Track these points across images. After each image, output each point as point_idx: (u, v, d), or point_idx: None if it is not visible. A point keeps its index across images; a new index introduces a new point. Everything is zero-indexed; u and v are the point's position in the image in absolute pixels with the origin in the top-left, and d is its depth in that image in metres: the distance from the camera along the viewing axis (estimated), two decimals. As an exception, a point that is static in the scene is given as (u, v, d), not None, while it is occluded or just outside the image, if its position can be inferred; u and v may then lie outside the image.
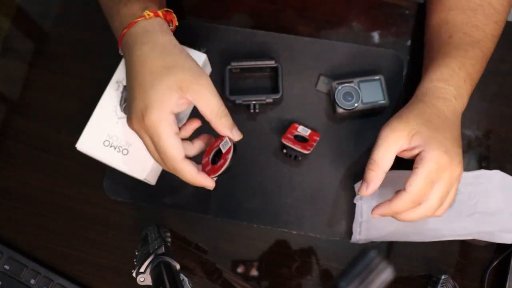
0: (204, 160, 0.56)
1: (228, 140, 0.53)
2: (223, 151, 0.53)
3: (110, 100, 0.63)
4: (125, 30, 0.54)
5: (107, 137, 0.62)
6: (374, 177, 0.52)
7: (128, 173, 0.61)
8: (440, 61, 0.57)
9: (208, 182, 0.53)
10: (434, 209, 0.51)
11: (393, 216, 0.53)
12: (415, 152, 0.52)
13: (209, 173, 0.54)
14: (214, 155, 0.55)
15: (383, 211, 0.53)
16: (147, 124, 0.49)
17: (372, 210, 0.54)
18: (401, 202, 0.51)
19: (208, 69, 0.68)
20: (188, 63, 0.52)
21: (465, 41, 0.58)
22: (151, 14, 0.54)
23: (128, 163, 0.61)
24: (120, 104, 0.62)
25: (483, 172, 0.62)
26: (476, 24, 0.59)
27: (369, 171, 0.53)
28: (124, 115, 0.62)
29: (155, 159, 0.53)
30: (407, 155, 0.53)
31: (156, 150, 0.51)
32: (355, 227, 0.63)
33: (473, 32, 0.58)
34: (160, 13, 0.55)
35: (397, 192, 0.52)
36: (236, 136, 0.53)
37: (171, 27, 0.58)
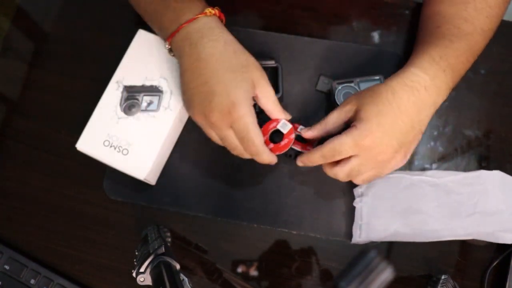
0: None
1: (287, 122, 0.59)
2: (284, 132, 0.59)
3: (110, 100, 0.63)
4: (183, 25, 0.55)
5: (107, 137, 0.62)
6: (318, 129, 0.57)
7: (128, 173, 0.61)
8: (422, 49, 0.57)
9: (275, 159, 0.59)
10: (341, 177, 0.56)
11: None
12: (354, 128, 0.53)
13: (273, 151, 0.59)
14: (271, 135, 0.60)
15: (302, 159, 0.57)
16: (236, 117, 0.53)
17: (296, 159, 0.58)
18: (313, 155, 0.55)
19: None
20: (255, 60, 0.57)
21: (452, 33, 0.58)
22: (212, 11, 0.56)
23: (128, 163, 0.61)
24: (120, 104, 0.62)
25: (483, 172, 0.62)
26: (465, 17, 0.58)
27: (319, 124, 0.57)
28: (124, 115, 0.62)
29: (231, 148, 0.57)
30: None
31: (240, 139, 0.55)
32: (355, 229, 0.63)
33: (462, 25, 0.58)
34: (217, 11, 0.57)
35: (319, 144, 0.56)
36: (288, 115, 0.59)
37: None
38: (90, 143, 0.62)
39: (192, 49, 0.55)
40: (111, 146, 0.61)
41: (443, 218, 0.60)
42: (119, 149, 0.61)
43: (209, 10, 0.56)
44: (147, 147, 0.61)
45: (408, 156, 0.56)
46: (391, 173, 0.59)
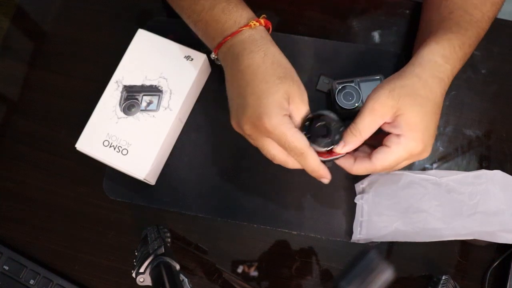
0: None
1: None
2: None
3: (110, 100, 0.63)
4: (228, 38, 0.55)
5: (106, 137, 0.62)
6: (353, 142, 0.53)
7: (127, 173, 0.61)
8: (442, 35, 0.55)
9: (326, 174, 0.54)
10: (388, 170, 0.54)
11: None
12: (395, 131, 0.52)
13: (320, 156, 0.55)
14: None
15: (344, 164, 0.55)
16: (269, 128, 0.51)
17: (333, 153, 0.55)
18: (363, 169, 0.53)
19: (208, 69, 0.68)
20: (295, 75, 0.54)
21: (465, 19, 0.57)
22: (257, 23, 0.55)
23: (127, 163, 0.61)
24: (120, 104, 0.62)
25: (483, 172, 0.62)
26: (475, 3, 0.58)
27: (351, 134, 0.53)
28: (124, 115, 0.62)
29: (277, 158, 0.55)
30: (385, 127, 0.53)
31: (282, 147, 0.53)
32: (356, 226, 0.63)
33: (472, 11, 0.57)
34: (262, 21, 0.56)
35: (359, 156, 0.54)
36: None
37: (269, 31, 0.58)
38: (89, 143, 0.62)
39: (234, 61, 0.55)
40: (110, 146, 0.61)
41: (445, 217, 0.60)
42: (119, 149, 0.61)
43: (253, 22, 0.55)
44: (147, 147, 0.61)
45: None
46: (394, 173, 0.59)
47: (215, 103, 0.69)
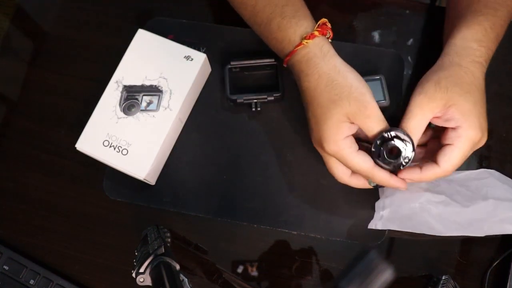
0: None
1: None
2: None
3: (110, 100, 0.63)
4: (286, 59, 0.56)
5: (106, 137, 0.62)
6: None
7: (127, 173, 0.61)
8: (472, 19, 0.54)
9: (400, 183, 0.54)
10: (449, 173, 0.52)
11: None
12: (450, 124, 0.51)
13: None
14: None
15: (411, 176, 0.53)
16: (329, 152, 0.53)
17: (399, 173, 0.54)
18: (432, 175, 0.52)
19: (208, 69, 0.68)
20: (353, 92, 0.52)
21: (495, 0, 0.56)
22: (309, 41, 0.54)
23: (127, 163, 0.61)
24: (120, 104, 0.62)
25: (483, 169, 0.62)
26: None
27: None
28: (124, 115, 0.62)
29: (339, 179, 0.56)
30: (437, 122, 0.53)
31: (346, 166, 0.54)
32: (378, 205, 0.60)
33: None
34: (316, 33, 0.54)
35: (425, 162, 0.53)
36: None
37: (329, 34, 0.57)
38: (89, 143, 0.62)
39: (298, 80, 0.56)
40: (110, 146, 0.61)
41: (463, 201, 0.58)
42: (119, 149, 0.61)
43: (305, 41, 0.54)
44: (147, 147, 0.61)
45: None
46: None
47: (215, 103, 0.69)
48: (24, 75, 0.73)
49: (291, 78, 0.68)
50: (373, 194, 0.64)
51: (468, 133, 0.51)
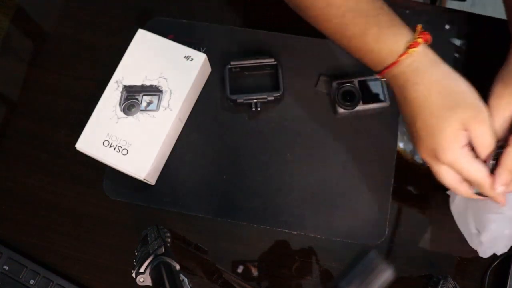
0: None
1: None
2: None
3: (110, 100, 0.63)
4: (386, 70, 0.53)
5: (106, 137, 0.62)
6: (490, 148, 0.51)
7: (127, 173, 0.61)
8: None
9: (502, 199, 0.52)
10: None
11: None
12: None
13: None
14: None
15: (501, 180, 0.50)
16: (446, 161, 0.50)
17: (495, 185, 0.51)
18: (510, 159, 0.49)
19: (208, 69, 0.68)
20: (467, 98, 0.51)
21: None
22: (415, 49, 0.51)
23: (127, 162, 0.61)
24: (120, 104, 0.62)
25: None
26: None
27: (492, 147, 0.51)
28: (124, 115, 0.62)
29: (449, 186, 0.53)
30: None
31: (461, 175, 0.52)
32: (473, 243, 0.59)
33: None
34: (419, 41, 0.51)
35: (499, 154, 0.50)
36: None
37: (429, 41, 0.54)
38: (89, 143, 0.62)
39: (401, 91, 0.53)
40: (110, 146, 0.61)
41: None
42: (119, 149, 0.61)
43: (410, 50, 0.51)
44: (147, 147, 0.61)
45: None
46: None
47: (215, 103, 0.69)
48: (24, 75, 0.73)
49: (291, 78, 0.68)
50: (373, 194, 0.64)
51: None
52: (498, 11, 0.69)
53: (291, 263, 0.64)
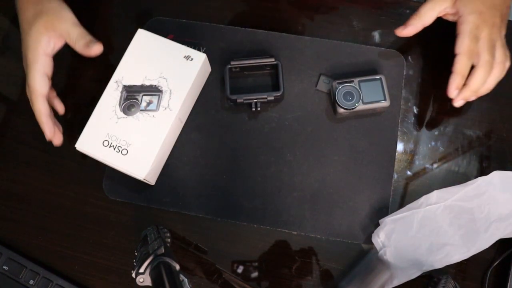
0: None
1: None
2: None
3: (109, 100, 0.63)
4: None
5: (106, 137, 0.62)
6: (413, 24, 0.62)
7: (127, 173, 0.61)
8: None
9: (47, 129, 0.62)
10: (490, 63, 0.59)
11: (467, 89, 0.61)
12: (455, 17, 0.61)
13: None
14: None
15: (456, 81, 0.60)
16: (26, 62, 0.60)
17: (448, 90, 0.61)
18: (460, 64, 0.59)
19: (208, 69, 0.68)
20: (52, 6, 0.61)
21: None
22: None
23: (127, 163, 0.61)
24: (120, 104, 0.62)
25: (481, 180, 0.61)
26: None
27: (412, 18, 0.63)
28: (124, 115, 0.62)
29: (27, 93, 0.62)
30: (451, 18, 0.63)
31: (27, 83, 0.61)
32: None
33: None
34: None
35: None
36: (97, 49, 0.62)
37: None
38: (89, 143, 0.62)
39: (19, 12, 0.63)
40: (110, 146, 0.61)
41: (466, 243, 0.59)
42: (119, 149, 0.61)
43: None
44: (147, 147, 0.61)
45: (505, 25, 0.63)
46: (401, 212, 0.61)
47: (215, 103, 0.69)
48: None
49: (291, 78, 0.68)
50: (373, 194, 0.64)
51: (466, 17, 0.59)
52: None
53: (291, 263, 0.64)
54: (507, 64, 0.62)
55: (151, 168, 0.61)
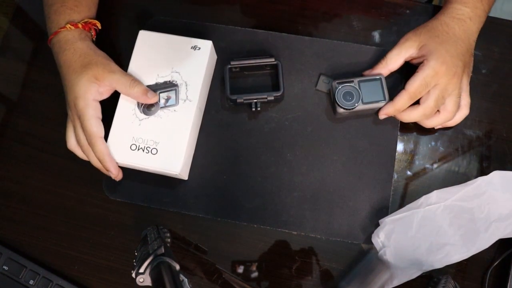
0: None
1: None
2: None
3: (127, 104, 0.63)
4: (51, 37, 0.65)
5: (133, 140, 0.61)
6: (380, 68, 0.65)
7: (161, 172, 0.61)
8: None
9: (112, 167, 0.61)
10: (430, 108, 0.61)
11: (397, 116, 0.64)
12: (421, 60, 0.62)
13: None
14: None
15: (387, 109, 0.63)
16: (77, 109, 0.61)
17: (378, 112, 0.64)
18: (401, 99, 0.61)
19: (214, 57, 0.68)
20: (100, 59, 0.62)
21: None
22: (72, 27, 0.64)
23: (159, 162, 0.61)
24: (138, 106, 0.62)
25: (481, 180, 0.61)
26: None
27: (379, 63, 0.65)
28: (145, 116, 0.62)
29: (78, 139, 0.62)
30: (415, 62, 0.64)
31: (82, 129, 0.61)
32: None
33: None
34: (79, 25, 0.65)
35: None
36: (152, 98, 0.62)
37: (92, 33, 0.67)
38: (117, 152, 0.61)
39: (57, 56, 0.64)
40: (139, 149, 0.61)
41: (466, 243, 0.59)
42: (148, 150, 0.61)
43: (68, 25, 0.64)
44: (175, 142, 0.61)
45: (470, 73, 0.65)
46: (400, 212, 0.61)
47: (215, 103, 0.69)
48: (24, 75, 0.73)
49: (291, 78, 0.68)
50: (373, 194, 0.64)
51: (429, 62, 0.60)
52: (496, 11, 0.69)
53: (291, 263, 0.64)
54: (462, 113, 0.64)
55: (184, 162, 0.61)
